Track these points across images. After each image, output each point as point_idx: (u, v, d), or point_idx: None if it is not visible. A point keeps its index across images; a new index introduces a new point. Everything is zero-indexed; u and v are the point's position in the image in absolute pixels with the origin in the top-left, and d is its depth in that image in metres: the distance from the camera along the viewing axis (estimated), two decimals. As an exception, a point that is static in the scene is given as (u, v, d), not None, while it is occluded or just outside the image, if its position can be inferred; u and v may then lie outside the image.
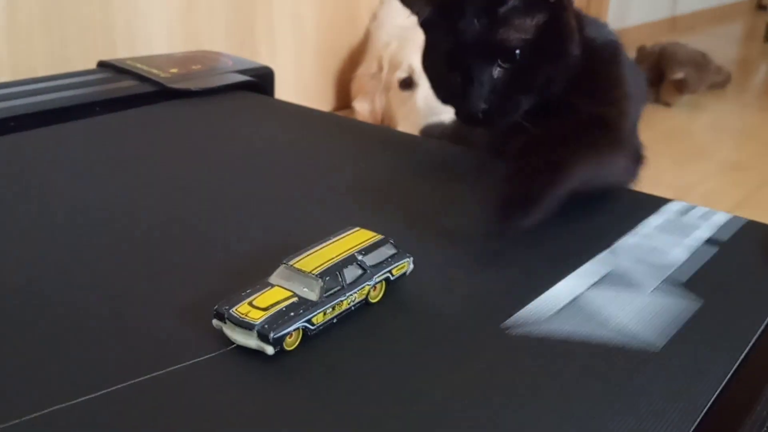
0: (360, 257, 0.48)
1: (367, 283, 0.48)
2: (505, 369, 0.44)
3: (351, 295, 0.47)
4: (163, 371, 0.42)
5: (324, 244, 0.49)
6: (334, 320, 0.46)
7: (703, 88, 2.22)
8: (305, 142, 0.81)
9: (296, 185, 0.69)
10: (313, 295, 0.45)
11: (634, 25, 2.99)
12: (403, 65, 1.71)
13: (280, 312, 0.44)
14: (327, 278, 0.46)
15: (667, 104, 2.18)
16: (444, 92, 0.72)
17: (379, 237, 0.50)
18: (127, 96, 0.91)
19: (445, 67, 0.69)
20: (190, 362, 0.42)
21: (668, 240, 0.61)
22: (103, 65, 1.02)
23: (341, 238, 0.50)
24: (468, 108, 0.67)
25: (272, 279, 0.47)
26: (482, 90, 0.66)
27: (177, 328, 0.46)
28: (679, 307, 0.51)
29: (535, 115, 0.68)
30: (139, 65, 0.99)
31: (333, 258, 0.47)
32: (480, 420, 0.40)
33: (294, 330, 0.43)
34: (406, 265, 0.51)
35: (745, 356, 0.47)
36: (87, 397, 0.40)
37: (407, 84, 1.71)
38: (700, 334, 0.48)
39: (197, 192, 0.66)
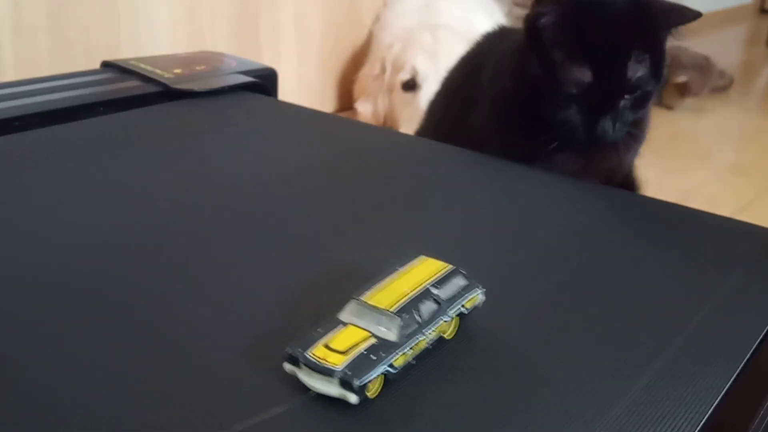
0: (434, 291, 0.45)
1: (443, 318, 0.44)
2: (586, 403, 0.42)
3: (428, 332, 0.43)
4: (240, 428, 0.38)
5: (393, 277, 0.45)
6: (413, 361, 0.43)
7: (705, 92, 2.21)
8: (315, 146, 0.81)
9: (320, 195, 0.66)
10: (392, 335, 0.41)
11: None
12: (407, 67, 1.71)
13: (361, 355, 0.40)
14: (405, 316, 0.42)
15: (670, 107, 2.18)
16: (566, 113, 0.76)
17: (449, 267, 0.47)
18: (130, 96, 0.91)
19: (581, 94, 0.74)
20: (268, 416, 0.38)
21: (669, 244, 0.61)
22: (106, 65, 1.02)
23: (410, 269, 0.46)
24: (599, 133, 0.75)
25: (343, 316, 0.43)
26: (613, 120, 0.75)
27: (243, 373, 0.42)
28: (681, 311, 0.51)
29: None
30: (142, 65, 0.99)
31: (407, 292, 0.44)
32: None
33: (378, 375, 0.40)
34: (477, 296, 0.48)
35: (747, 361, 0.47)
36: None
37: (410, 86, 1.71)
38: (703, 339, 0.48)
39: (210, 198, 0.65)
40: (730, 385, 0.44)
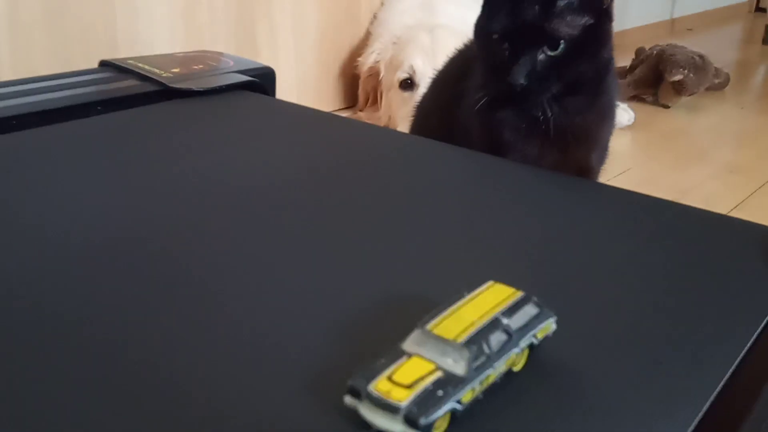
0: (505, 320, 0.42)
1: (514, 350, 0.42)
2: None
3: (498, 366, 0.41)
4: None
5: (460, 303, 0.43)
6: (480, 396, 0.40)
7: (701, 90, 2.21)
8: (314, 146, 0.80)
9: (331, 199, 0.65)
10: (460, 369, 0.39)
11: (633, 27, 2.99)
12: (404, 65, 1.71)
13: (427, 391, 0.37)
14: (473, 347, 0.39)
15: (666, 106, 2.18)
16: (489, 59, 0.80)
17: (520, 293, 0.44)
18: (128, 95, 0.91)
19: (499, 38, 0.78)
20: None
21: (665, 242, 0.61)
22: (104, 65, 1.02)
23: (477, 295, 0.44)
24: (509, 79, 0.76)
25: (407, 346, 0.40)
26: (526, 68, 0.76)
27: (300, 404, 0.40)
28: (679, 308, 0.52)
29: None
30: (140, 65, 0.99)
31: (475, 322, 0.41)
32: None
33: (444, 413, 0.37)
34: (550, 326, 0.45)
35: (743, 358, 0.47)
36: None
37: (408, 84, 1.71)
38: (700, 336, 0.49)
39: (212, 199, 0.65)
40: (727, 380, 0.44)
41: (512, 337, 0.42)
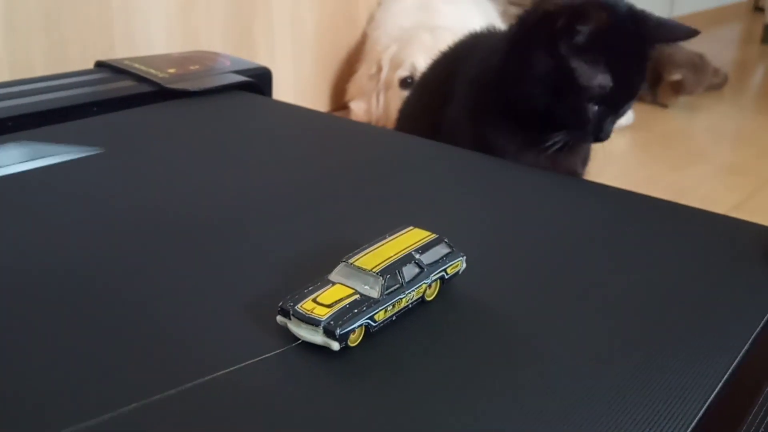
0: (417, 256, 0.49)
1: (424, 281, 0.49)
2: (558, 363, 0.45)
3: (409, 293, 0.48)
4: (230, 369, 0.42)
5: (381, 243, 0.50)
6: (394, 317, 0.47)
7: (700, 90, 2.21)
8: (309, 145, 0.81)
9: (318, 191, 0.68)
10: (374, 293, 0.46)
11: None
12: (406, 64, 1.71)
13: (344, 309, 0.45)
14: (387, 276, 0.47)
15: (664, 106, 2.18)
16: (573, 119, 0.79)
17: (434, 236, 0.51)
18: (124, 96, 0.91)
19: (599, 101, 0.78)
20: (257, 359, 0.43)
21: (663, 241, 0.61)
22: (100, 65, 1.02)
23: (397, 237, 0.51)
24: (602, 136, 0.80)
25: (333, 276, 0.48)
26: (613, 122, 0.80)
27: (239, 325, 0.47)
28: (675, 307, 0.51)
29: None
30: (136, 65, 0.99)
31: (391, 256, 0.48)
32: (541, 413, 0.40)
33: (358, 327, 0.44)
34: (460, 263, 0.52)
35: (742, 357, 0.47)
36: (147, 400, 0.39)
37: (408, 83, 1.71)
38: (699, 335, 0.48)
39: (208, 196, 0.66)
40: (726, 380, 0.44)
41: (424, 269, 0.49)
